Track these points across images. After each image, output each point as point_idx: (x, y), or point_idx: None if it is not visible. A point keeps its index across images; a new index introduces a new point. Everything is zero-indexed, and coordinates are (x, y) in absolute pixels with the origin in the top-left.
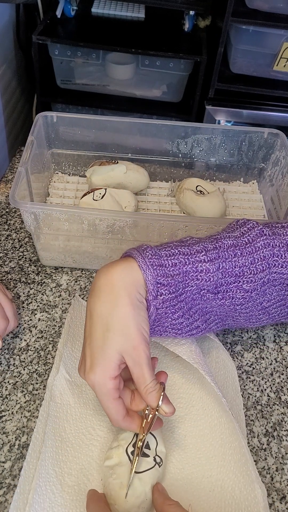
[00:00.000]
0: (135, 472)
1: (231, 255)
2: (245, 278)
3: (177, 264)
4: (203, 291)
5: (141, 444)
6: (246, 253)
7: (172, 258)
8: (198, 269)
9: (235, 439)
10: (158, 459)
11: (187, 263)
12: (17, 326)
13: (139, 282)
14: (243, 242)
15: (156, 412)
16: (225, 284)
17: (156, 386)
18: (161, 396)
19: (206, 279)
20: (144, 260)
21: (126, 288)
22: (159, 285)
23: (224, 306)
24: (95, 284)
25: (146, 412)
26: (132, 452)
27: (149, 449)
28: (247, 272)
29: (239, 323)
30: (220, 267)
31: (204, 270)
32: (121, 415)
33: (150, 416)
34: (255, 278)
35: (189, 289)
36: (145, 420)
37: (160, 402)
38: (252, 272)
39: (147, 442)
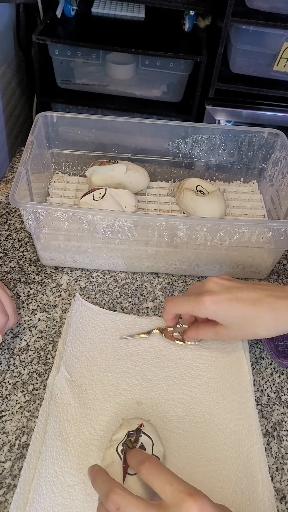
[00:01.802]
0: (129, 474)
1: None
2: None
3: None
4: None
5: (127, 438)
6: None
7: None
8: None
9: (245, 444)
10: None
11: None
12: (17, 326)
13: None
14: None
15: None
16: None
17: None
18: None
19: None
20: None
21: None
22: None
23: None
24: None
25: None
26: (122, 450)
27: (145, 450)
28: None
29: None
30: None
31: None
32: (175, 313)
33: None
34: None
35: None
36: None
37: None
38: None
39: (141, 443)
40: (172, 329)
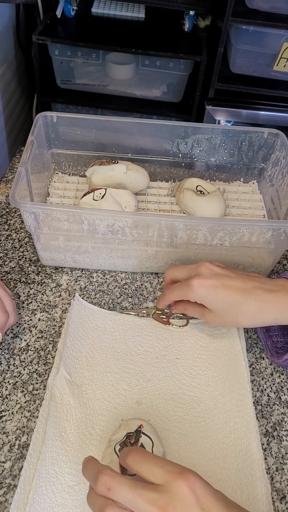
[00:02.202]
0: (129, 475)
1: None
2: None
3: None
4: None
5: (125, 439)
6: None
7: None
8: None
9: (243, 442)
10: None
11: None
12: (17, 326)
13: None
14: None
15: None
16: None
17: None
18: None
19: None
20: None
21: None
22: None
23: None
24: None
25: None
26: (119, 450)
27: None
28: None
29: None
30: None
31: None
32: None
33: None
34: None
35: None
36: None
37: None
38: None
39: (141, 443)
40: (160, 311)
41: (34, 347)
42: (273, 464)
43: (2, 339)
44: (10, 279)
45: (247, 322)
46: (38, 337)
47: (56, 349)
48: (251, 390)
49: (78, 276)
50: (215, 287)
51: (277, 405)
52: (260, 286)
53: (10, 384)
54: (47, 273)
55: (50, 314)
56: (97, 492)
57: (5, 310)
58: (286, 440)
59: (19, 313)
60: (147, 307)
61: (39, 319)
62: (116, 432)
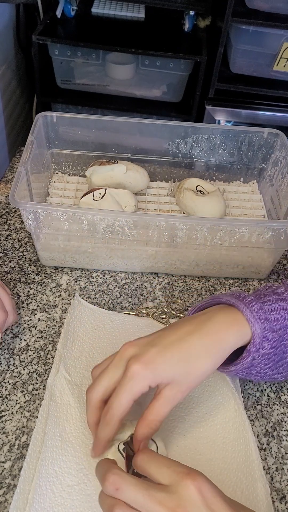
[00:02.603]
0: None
1: None
2: None
3: (279, 319)
4: None
5: (129, 439)
6: None
7: (274, 313)
8: None
9: (242, 442)
10: None
11: (286, 318)
12: (17, 326)
13: (245, 340)
14: None
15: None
16: None
17: (156, 428)
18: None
19: None
20: (252, 314)
21: (224, 349)
22: (264, 339)
23: None
24: (203, 324)
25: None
26: (124, 449)
27: None
28: None
29: None
30: None
31: None
32: (123, 416)
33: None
34: None
35: (284, 342)
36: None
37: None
38: None
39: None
40: (159, 312)
41: (34, 347)
42: (273, 464)
43: (1, 339)
44: (10, 279)
45: (210, 362)
46: (38, 337)
47: (56, 349)
48: (252, 391)
49: (78, 276)
50: (157, 353)
51: (277, 405)
52: (190, 330)
53: (10, 384)
54: (47, 273)
55: (50, 314)
56: (105, 492)
57: (4, 309)
58: (286, 440)
59: (19, 313)
60: (147, 307)
61: (39, 319)
62: (120, 432)
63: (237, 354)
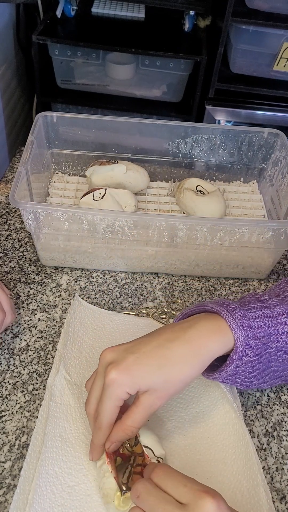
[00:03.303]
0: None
1: None
2: None
3: (263, 326)
4: (280, 352)
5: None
6: None
7: (258, 320)
8: (280, 331)
9: (242, 445)
10: (160, 461)
11: (270, 326)
12: (17, 326)
13: (228, 347)
14: None
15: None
16: None
17: (132, 434)
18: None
19: (286, 341)
20: (235, 321)
21: (205, 356)
22: (247, 347)
23: None
24: (185, 331)
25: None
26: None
27: (149, 458)
28: None
29: None
30: None
31: (285, 333)
32: (111, 421)
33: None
34: None
35: (269, 351)
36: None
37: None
38: None
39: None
40: (159, 312)
41: (34, 347)
42: (273, 464)
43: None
44: (10, 279)
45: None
46: (38, 337)
47: (56, 349)
48: (252, 391)
49: (78, 276)
50: (135, 359)
51: (277, 405)
52: (168, 337)
53: (10, 384)
54: (47, 273)
55: (50, 314)
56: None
57: (2, 309)
58: (286, 440)
59: (19, 313)
60: (147, 307)
61: (39, 319)
62: None
63: (224, 361)
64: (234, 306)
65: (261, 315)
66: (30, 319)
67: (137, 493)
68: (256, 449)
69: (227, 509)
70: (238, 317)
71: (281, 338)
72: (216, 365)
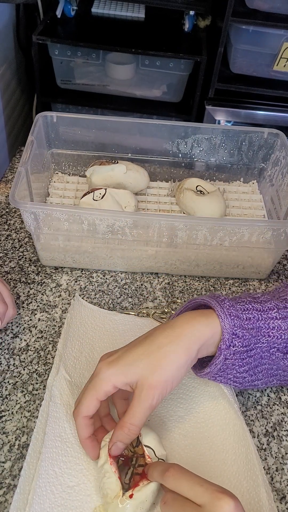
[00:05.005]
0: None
1: None
2: None
3: (251, 318)
4: (273, 349)
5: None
6: None
7: (246, 312)
8: (270, 325)
9: (242, 445)
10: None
11: (260, 319)
12: (17, 326)
13: (214, 332)
14: None
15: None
16: None
17: (134, 433)
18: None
19: (277, 336)
20: (222, 310)
21: (191, 337)
22: (234, 336)
23: None
24: (173, 321)
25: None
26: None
27: (150, 459)
28: None
29: None
30: None
31: (276, 327)
32: (86, 412)
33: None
34: None
35: (260, 345)
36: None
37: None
38: None
39: (144, 448)
40: (159, 312)
41: (34, 347)
42: (273, 464)
43: (1, 327)
44: (10, 279)
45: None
46: (38, 337)
47: (56, 349)
48: (252, 391)
49: (78, 276)
50: (124, 352)
51: (277, 405)
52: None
53: (10, 384)
54: (47, 273)
55: (50, 314)
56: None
57: (3, 300)
58: (286, 440)
59: (19, 313)
60: (147, 307)
61: (39, 319)
62: (110, 434)
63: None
64: (224, 298)
65: (250, 308)
66: (30, 319)
67: (164, 500)
68: (256, 449)
69: (242, 510)
70: (226, 306)
71: (272, 332)
72: (208, 363)
